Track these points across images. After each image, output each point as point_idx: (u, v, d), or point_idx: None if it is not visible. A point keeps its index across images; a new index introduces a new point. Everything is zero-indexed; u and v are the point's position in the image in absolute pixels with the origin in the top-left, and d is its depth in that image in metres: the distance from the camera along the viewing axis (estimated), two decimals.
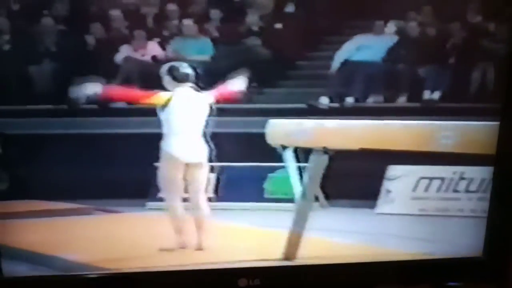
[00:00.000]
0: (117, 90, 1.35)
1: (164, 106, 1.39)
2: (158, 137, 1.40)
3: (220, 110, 1.39)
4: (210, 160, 1.41)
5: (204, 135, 1.40)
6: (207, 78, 1.38)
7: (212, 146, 1.40)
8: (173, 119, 1.41)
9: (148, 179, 1.47)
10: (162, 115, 1.39)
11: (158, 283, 1.32)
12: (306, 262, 1.37)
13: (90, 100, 1.33)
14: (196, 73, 1.38)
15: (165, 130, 1.39)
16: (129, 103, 1.38)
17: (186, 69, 1.38)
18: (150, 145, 1.41)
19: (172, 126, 1.41)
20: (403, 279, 1.33)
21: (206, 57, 1.38)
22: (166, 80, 1.38)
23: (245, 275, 1.27)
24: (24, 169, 1.39)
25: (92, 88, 1.32)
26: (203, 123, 1.40)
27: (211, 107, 1.38)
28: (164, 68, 1.38)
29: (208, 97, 1.39)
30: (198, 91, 1.40)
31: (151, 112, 1.38)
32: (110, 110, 1.41)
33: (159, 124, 1.39)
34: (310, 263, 1.37)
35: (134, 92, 1.36)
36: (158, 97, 1.39)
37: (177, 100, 1.41)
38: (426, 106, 1.41)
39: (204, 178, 1.46)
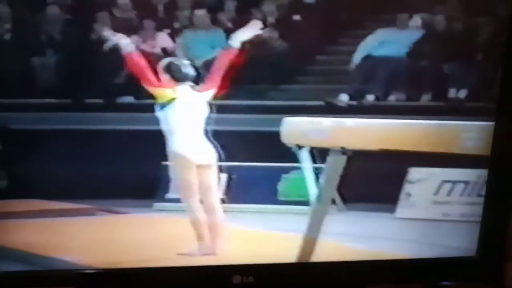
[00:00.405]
0: (139, 60, 1.26)
1: (165, 104, 1.31)
2: None
3: (232, 107, 1.32)
4: (220, 160, 1.33)
5: (207, 135, 1.32)
6: None
7: (218, 146, 1.32)
8: (173, 119, 1.32)
9: (155, 178, 1.39)
10: (161, 113, 1.31)
11: (151, 279, 1.28)
12: (299, 260, 1.32)
13: (111, 47, 1.24)
14: (198, 72, 1.30)
15: (165, 129, 1.31)
16: (136, 78, 1.28)
17: (187, 68, 1.30)
18: (158, 143, 1.33)
19: (173, 126, 1.32)
20: (396, 278, 1.31)
21: (218, 50, 1.30)
22: (165, 78, 1.30)
23: (239, 272, 1.24)
24: (25, 166, 1.31)
25: (125, 42, 1.24)
26: (204, 123, 1.32)
27: (211, 106, 1.31)
28: (162, 64, 1.29)
29: (208, 93, 1.31)
30: (197, 90, 1.32)
31: None
32: (116, 105, 1.33)
33: None
34: (302, 261, 1.32)
35: (149, 73, 1.27)
36: (163, 93, 1.31)
37: (179, 100, 1.33)
38: (451, 105, 1.33)
39: (214, 179, 1.38)
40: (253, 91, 1.32)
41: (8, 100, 1.26)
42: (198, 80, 1.32)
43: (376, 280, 1.30)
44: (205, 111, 1.31)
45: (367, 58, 1.32)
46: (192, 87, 1.33)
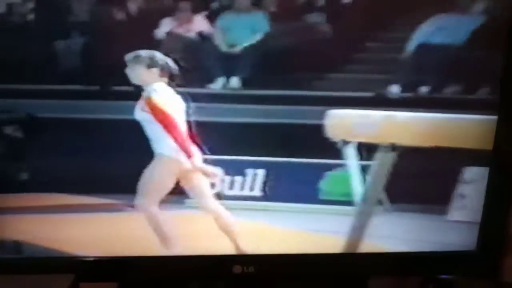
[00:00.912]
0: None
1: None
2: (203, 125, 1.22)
3: (269, 98, 1.22)
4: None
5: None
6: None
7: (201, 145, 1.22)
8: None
9: None
10: (141, 115, 1.21)
11: (152, 267, 1.24)
12: (300, 251, 1.26)
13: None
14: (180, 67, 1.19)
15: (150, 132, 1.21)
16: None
17: (170, 61, 1.19)
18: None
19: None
20: (396, 271, 1.29)
21: (259, 35, 1.19)
22: (152, 72, 1.19)
23: (239, 262, 1.21)
24: (47, 158, 1.22)
25: None
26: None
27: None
28: (145, 56, 1.17)
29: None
30: (174, 87, 1.21)
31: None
32: None
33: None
34: (303, 252, 1.26)
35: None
36: (161, 103, 1.21)
37: (167, 100, 1.22)
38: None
39: (204, 181, 1.27)
40: (295, 80, 1.22)
41: (32, 86, 1.17)
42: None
43: (377, 273, 1.29)
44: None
45: (423, 46, 1.20)
46: (168, 83, 1.21)
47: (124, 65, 1.16)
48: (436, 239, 1.28)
